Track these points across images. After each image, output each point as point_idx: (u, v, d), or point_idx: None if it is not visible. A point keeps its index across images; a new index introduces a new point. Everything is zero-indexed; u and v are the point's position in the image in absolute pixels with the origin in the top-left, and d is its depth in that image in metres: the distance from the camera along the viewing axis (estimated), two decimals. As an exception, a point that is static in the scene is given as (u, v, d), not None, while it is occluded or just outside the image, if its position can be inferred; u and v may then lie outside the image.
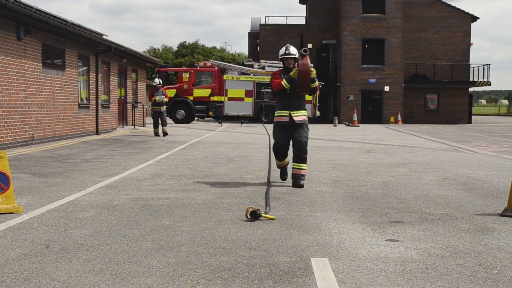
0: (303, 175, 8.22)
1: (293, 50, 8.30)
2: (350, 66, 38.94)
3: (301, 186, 8.07)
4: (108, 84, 22.21)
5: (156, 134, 19.73)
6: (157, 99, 19.43)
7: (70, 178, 8.82)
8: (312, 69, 8.01)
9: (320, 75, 37.78)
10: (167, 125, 20.27)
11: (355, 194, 7.56)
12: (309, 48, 41.28)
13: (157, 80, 20.06)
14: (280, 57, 8.34)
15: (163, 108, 19.80)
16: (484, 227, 5.57)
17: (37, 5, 13.92)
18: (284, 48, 8.40)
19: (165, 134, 19.62)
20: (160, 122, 19.70)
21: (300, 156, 8.18)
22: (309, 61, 7.91)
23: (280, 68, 8.50)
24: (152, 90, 19.97)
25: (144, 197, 7.16)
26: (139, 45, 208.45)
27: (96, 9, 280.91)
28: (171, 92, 31.96)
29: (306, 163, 8.28)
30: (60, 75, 16.82)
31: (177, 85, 33.60)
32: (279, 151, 8.38)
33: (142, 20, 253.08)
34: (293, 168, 8.21)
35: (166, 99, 19.79)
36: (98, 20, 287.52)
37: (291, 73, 8.06)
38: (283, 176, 8.70)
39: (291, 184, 8.23)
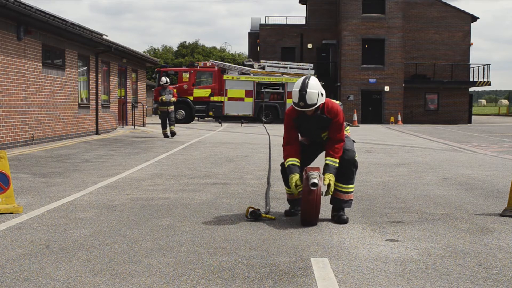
0: (348, 201, 5.79)
1: (311, 98, 5.50)
2: (350, 66, 38.94)
3: (345, 221, 5.68)
4: (108, 84, 22.21)
5: (165, 135, 18.93)
6: (164, 98, 18.67)
7: (70, 178, 8.81)
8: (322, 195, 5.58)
9: (320, 75, 37.88)
10: (175, 125, 19.43)
11: (355, 194, 7.53)
12: (309, 48, 41.39)
13: (164, 79, 19.14)
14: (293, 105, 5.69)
15: (171, 108, 18.96)
16: (484, 227, 5.57)
17: (37, 5, 13.93)
18: (297, 92, 5.53)
19: (173, 134, 18.91)
20: (168, 122, 18.89)
21: (348, 172, 5.72)
22: (319, 196, 5.46)
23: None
24: (159, 89, 19.22)
25: (144, 197, 7.16)
26: (139, 45, 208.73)
27: (96, 9, 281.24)
28: None
29: (353, 183, 5.81)
30: (60, 75, 16.82)
31: (177, 85, 33.59)
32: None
33: (142, 20, 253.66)
34: (334, 190, 5.78)
35: (173, 99, 18.90)
36: (98, 20, 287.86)
37: (293, 189, 5.63)
38: (293, 209, 6.08)
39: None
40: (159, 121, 19.56)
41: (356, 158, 5.84)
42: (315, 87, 5.54)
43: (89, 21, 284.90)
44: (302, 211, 5.54)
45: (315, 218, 5.50)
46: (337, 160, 5.66)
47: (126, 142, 17.03)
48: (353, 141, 6.09)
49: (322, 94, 5.60)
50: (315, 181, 5.31)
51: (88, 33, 17.76)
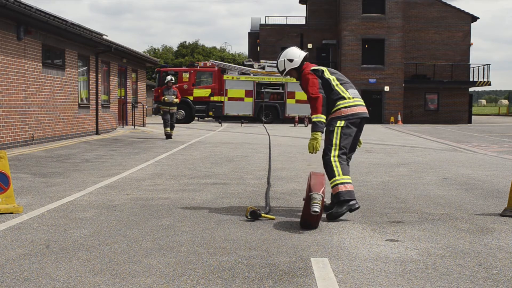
0: (334, 195, 5.87)
1: (279, 66, 6.14)
2: (350, 66, 38.94)
3: (330, 217, 5.80)
4: (108, 84, 22.21)
5: (166, 135, 18.53)
6: (166, 99, 18.20)
7: (70, 178, 8.81)
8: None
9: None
10: (174, 127, 19.02)
11: (355, 194, 7.54)
12: (309, 48, 41.36)
13: (169, 77, 18.63)
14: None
15: (173, 109, 18.48)
16: (484, 227, 5.57)
17: (37, 5, 13.94)
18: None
19: (169, 136, 18.52)
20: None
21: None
22: (321, 205, 5.33)
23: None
24: (163, 89, 18.79)
25: (144, 197, 7.16)
26: (139, 45, 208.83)
27: (96, 9, 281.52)
28: None
29: (330, 178, 5.89)
30: (60, 75, 16.82)
31: (177, 85, 33.58)
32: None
33: (142, 20, 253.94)
34: None
35: (176, 100, 18.36)
36: (98, 20, 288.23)
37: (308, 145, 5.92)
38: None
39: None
40: (159, 121, 19.25)
41: (325, 157, 5.87)
42: (283, 55, 6.02)
43: (89, 21, 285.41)
44: (302, 216, 5.48)
45: (315, 224, 5.45)
46: (315, 114, 5.75)
47: (126, 142, 17.03)
48: (331, 130, 5.89)
49: (291, 60, 5.92)
50: (317, 209, 5.20)
51: (88, 33, 17.76)
